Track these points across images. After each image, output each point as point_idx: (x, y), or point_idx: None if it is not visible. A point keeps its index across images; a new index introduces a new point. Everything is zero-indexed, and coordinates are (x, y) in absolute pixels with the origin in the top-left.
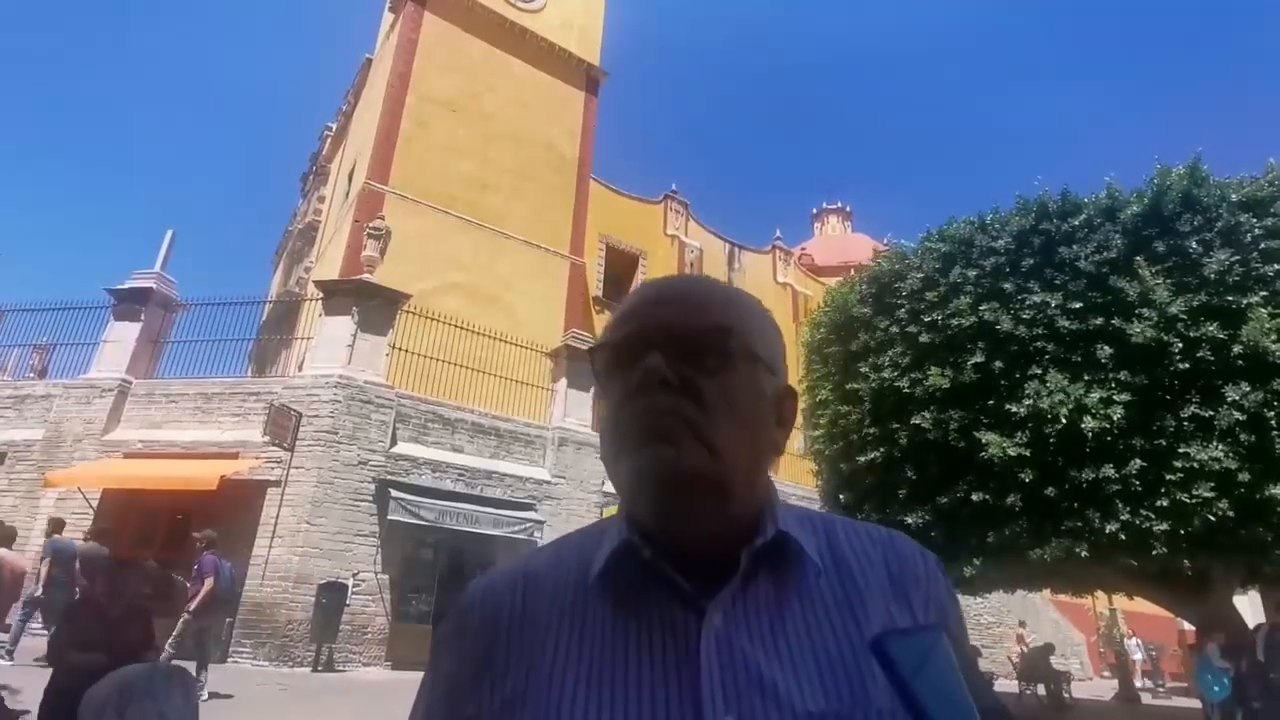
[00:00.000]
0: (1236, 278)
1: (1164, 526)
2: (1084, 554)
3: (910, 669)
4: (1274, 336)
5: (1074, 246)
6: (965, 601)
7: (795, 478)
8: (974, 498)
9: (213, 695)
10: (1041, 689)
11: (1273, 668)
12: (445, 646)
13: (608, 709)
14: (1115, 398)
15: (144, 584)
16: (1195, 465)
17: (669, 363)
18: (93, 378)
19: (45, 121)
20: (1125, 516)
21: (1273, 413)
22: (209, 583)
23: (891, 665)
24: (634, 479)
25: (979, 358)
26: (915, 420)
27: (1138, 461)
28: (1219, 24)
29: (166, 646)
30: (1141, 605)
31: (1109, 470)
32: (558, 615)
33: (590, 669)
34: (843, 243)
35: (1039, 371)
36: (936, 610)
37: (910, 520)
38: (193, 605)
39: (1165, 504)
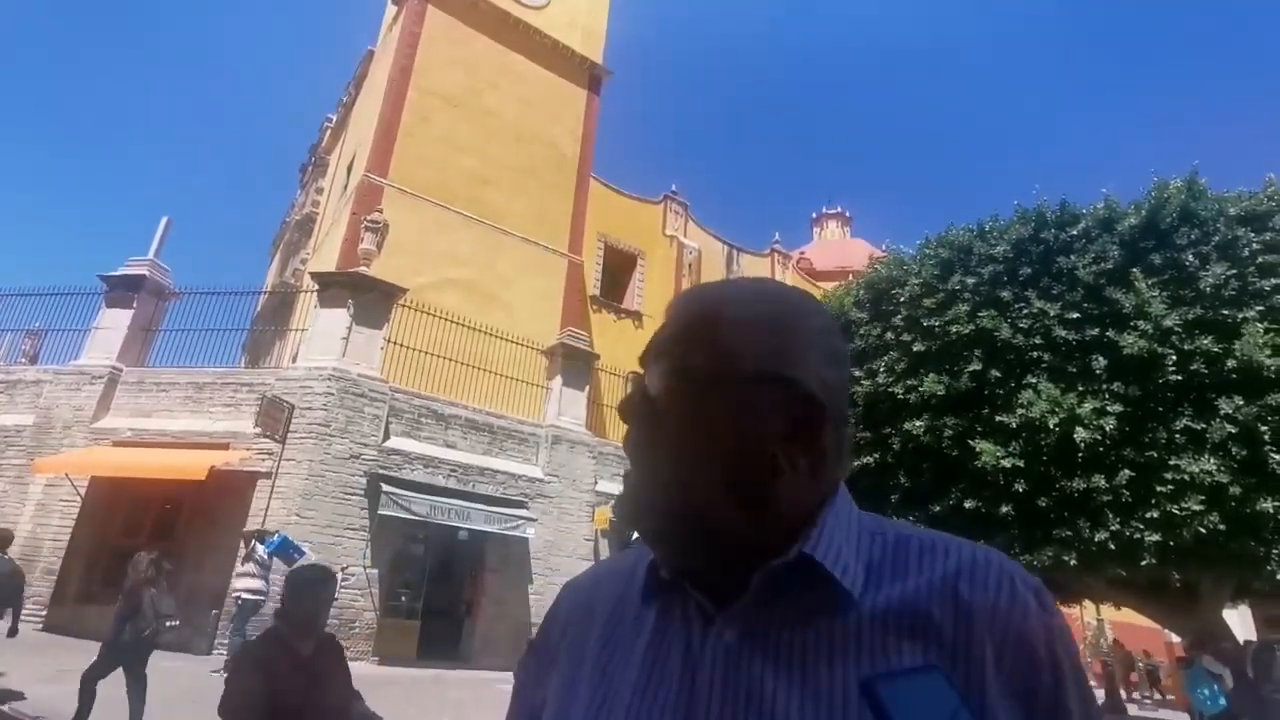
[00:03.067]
0: (1232, 291)
1: (1154, 538)
2: (1073, 563)
3: (900, 714)
4: (1268, 351)
5: (1072, 256)
6: None
7: None
8: (966, 505)
9: None
10: None
11: (1261, 685)
12: (538, 635)
13: (609, 707)
14: (1108, 408)
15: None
16: (1186, 477)
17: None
18: (84, 364)
19: (41, 105)
20: (1115, 526)
21: (1266, 427)
22: None
23: (881, 709)
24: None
25: (975, 365)
26: (909, 426)
27: (1128, 472)
28: (1219, 38)
29: None
30: (1130, 616)
31: (1100, 480)
32: (602, 619)
33: (613, 671)
34: (841, 248)
35: (1034, 380)
36: (1012, 655)
37: None
38: None
39: (1155, 515)
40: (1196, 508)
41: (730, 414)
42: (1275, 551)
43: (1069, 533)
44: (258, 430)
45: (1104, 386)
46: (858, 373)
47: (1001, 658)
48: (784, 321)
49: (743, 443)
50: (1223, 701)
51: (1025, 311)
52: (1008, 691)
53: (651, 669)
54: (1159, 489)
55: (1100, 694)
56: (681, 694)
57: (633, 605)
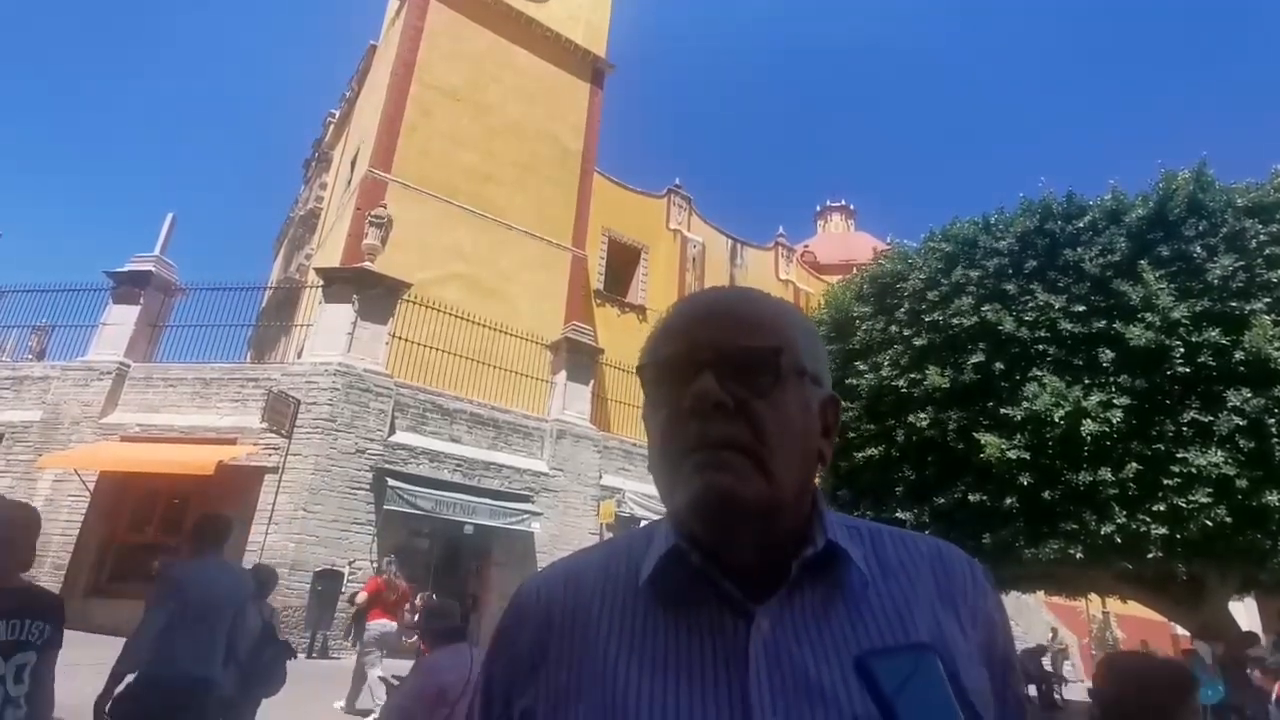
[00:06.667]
0: (1240, 283)
1: (1160, 531)
2: (1079, 556)
3: (893, 689)
4: (1276, 343)
5: (1078, 249)
6: None
7: None
8: (971, 498)
9: None
10: (1033, 690)
11: None
12: (502, 641)
13: (660, 703)
14: (1115, 401)
15: None
16: (1193, 470)
17: (721, 383)
18: (91, 360)
19: (47, 101)
20: (1121, 520)
21: (1273, 419)
22: None
23: (874, 684)
24: (690, 507)
25: (979, 358)
26: (913, 419)
27: (1135, 465)
28: (1227, 28)
29: None
30: (1135, 609)
31: (1106, 474)
32: (609, 614)
33: (643, 666)
34: (845, 241)
35: (1039, 374)
36: (984, 622)
37: (906, 519)
38: None
39: (1162, 508)
40: (1204, 500)
41: (811, 407)
42: None
43: (1075, 526)
44: (264, 425)
45: (1110, 379)
46: (862, 366)
47: (975, 627)
48: (816, 333)
49: (813, 434)
50: (1221, 690)
51: (1030, 304)
52: (976, 652)
53: (697, 666)
54: (1166, 482)
55: None
56: (735, 687)
57: (635, 602)
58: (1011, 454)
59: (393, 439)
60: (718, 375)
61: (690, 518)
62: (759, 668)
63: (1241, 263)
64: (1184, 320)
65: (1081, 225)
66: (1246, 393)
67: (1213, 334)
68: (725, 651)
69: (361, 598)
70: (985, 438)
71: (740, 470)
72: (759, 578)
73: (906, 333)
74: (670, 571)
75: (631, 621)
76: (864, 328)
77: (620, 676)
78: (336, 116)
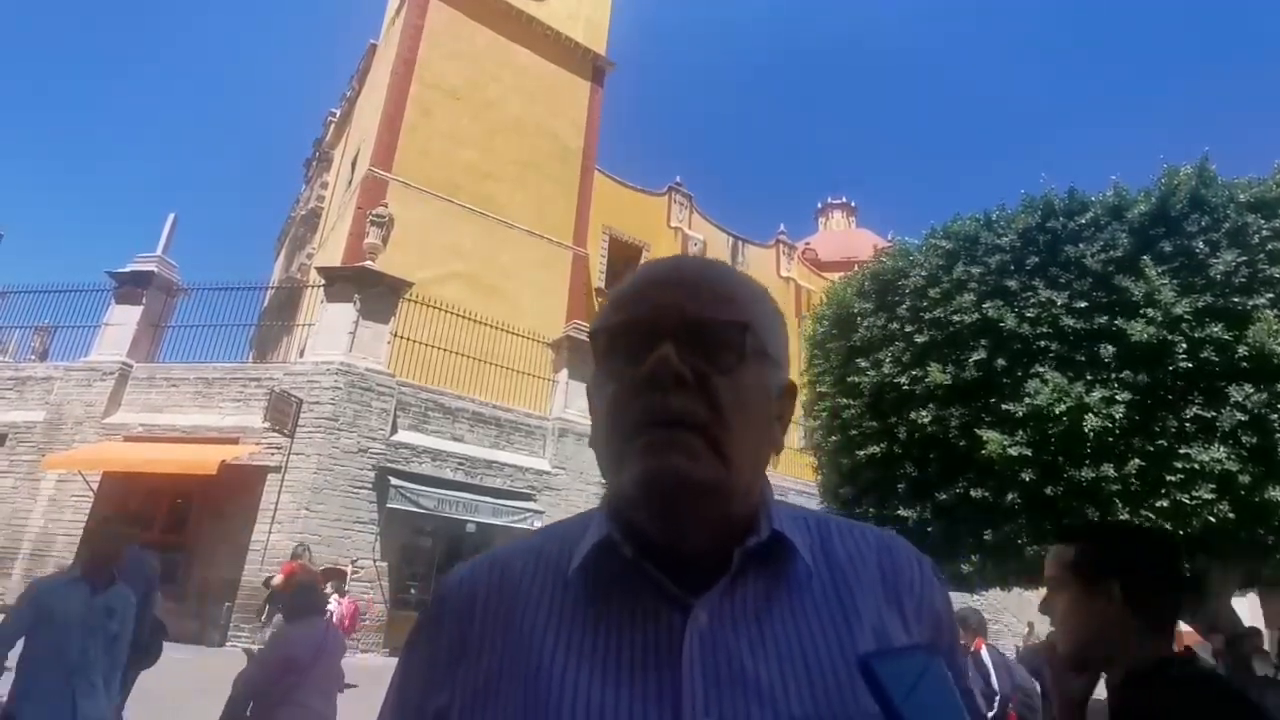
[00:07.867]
0: (1243, 279)
1: (1163, 527)
2: None
3: (901, 692)
4: (1279, 339)
5: (1080, 245)
6: (961, 598)
7: (796, 472)
8: (973, 494)
9: None
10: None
11: None
12: (420, 636)
13: (585, 695)
14: (1117, 397)
15: None
16: (1196, 466)
17: (681, 355)
18: (94, 360)
19: (49, 101)
20: (1124, 516)
21: (1276, 415)
22: None
23: (880, 687)
24: (639, 487)
25: (981, 355)
26: (915, 416)
27: (1137, 461)
28: (1228, 23)
29: None
30: None
31: (1108, 469)
32: (537, 602)
33: (569, 656)
34: (846, 238)
35: (1041, 370)
36: (930, 616)
37: (908, 516)
38: None
39: (1165, 504)
40: (1206, 497)
41: (770, 391)
42: None
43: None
44: (267, 425)
45: (1112, 375)
46: (863, 363)
47: (920, 619)
48: (781, 315)
49: (770, 419)
50: None
51: (1032, 300)
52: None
53: (625, 661)
54: (1168, 478)
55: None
56: (666, 681)
57: (564, 593)
58: (1013, 450)
59: (395, 438)
60: (678, 346)
61: (638, 499)
62: (692, 662)
63: (1244, 258)
64: (1186, 316)
65: (1083, 221)
66: (1249, 388)
67: (1215, 330)
68: (658, 644)
69: (278, 580)
70: (987, 434)
71: (694, 451)
72: (703, 568)
73: (908, 329)
74: (601, 562)
75: (560, 611)
76: (865, 325)
77: (545, 667)
78: (337, 116)
